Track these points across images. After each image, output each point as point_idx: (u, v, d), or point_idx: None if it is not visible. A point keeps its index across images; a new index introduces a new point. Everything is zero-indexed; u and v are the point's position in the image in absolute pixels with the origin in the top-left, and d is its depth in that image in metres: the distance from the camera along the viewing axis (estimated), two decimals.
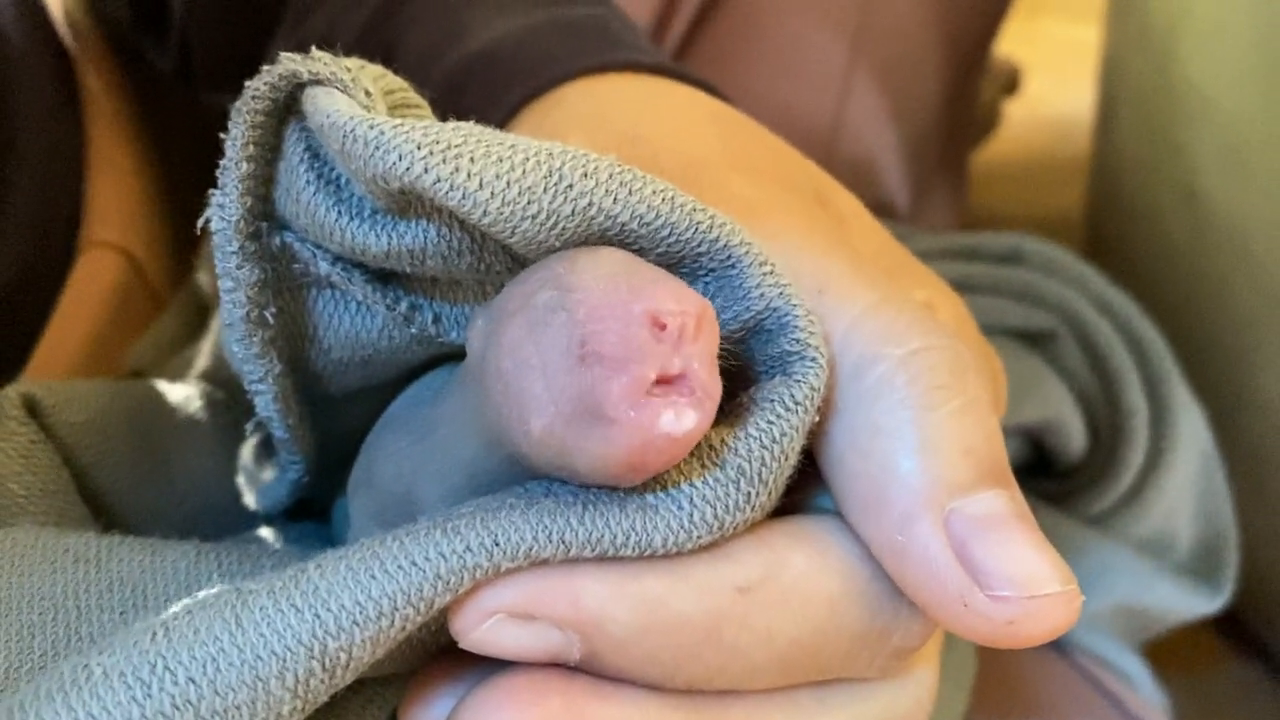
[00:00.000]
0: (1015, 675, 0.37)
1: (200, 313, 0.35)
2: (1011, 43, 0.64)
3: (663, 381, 0.15)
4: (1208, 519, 0.41)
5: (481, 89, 0.27)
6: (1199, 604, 0.41)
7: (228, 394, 0.28)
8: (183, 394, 0.28)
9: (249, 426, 0.23)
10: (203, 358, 0.29)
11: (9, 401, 0.24)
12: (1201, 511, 0.41)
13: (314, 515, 0.26)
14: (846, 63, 0.49)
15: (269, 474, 0.24)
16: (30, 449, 0.24)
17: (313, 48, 0.18)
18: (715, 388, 0.15)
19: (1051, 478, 0.41)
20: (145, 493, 0.26)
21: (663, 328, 0.15)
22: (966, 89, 0.54)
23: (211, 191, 0.18)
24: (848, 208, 0.23)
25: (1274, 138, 0.44)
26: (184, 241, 0.39)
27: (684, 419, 0.15)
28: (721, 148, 0.23)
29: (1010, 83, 0.73)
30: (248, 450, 0.25)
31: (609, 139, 0.23)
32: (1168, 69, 0.49)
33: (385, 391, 0.22)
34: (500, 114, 0.26)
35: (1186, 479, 0.40)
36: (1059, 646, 0.39)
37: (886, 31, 0.50)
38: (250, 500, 0.24)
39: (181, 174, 0.41)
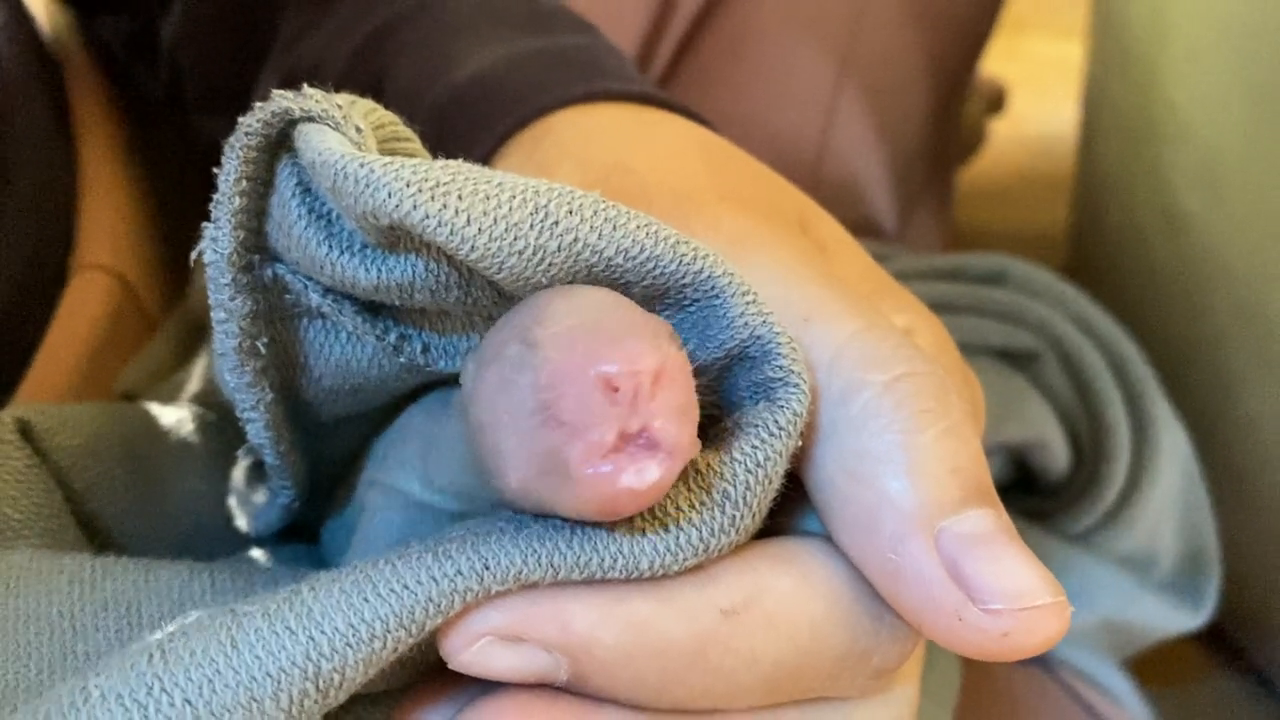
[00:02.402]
0: (1000, 692, 0.37)
1: (191, 336, 0.35)
2: (996, 60, 0.65)
3: (626, 437, 0.15)
4: (1190, 535, 0.42)
5: (470, 118, 0.27)
6: (1182, 620, 0.41)
7: (220, 417, 0.29)
8: (175, 417, 0.28)
9: (240, 452, 0.23)
10: (195, 381, 0.30)
11: (3, 426, 0.24)
12: (1184, 528, 0.42)
13: (303, 537, 0.26)
14: (833, 84, 0.50)
15: (260, 497, 0.24)
16: (25, 473, 0.24)
17: (304, 83, 0.18)
18: (682, 437, 0.15)
19: (1035, 496, 0.42)
20: (139, 515, 0.26)
21: (616, 390, 0.15)
22: (952, 109, 0.55)
23: (204, 224, 0.19)
24: (830, 234, 0.24)
25: (1253, 159, 0.45)
26: (176, 264, 0.39)
27: (646, 474, 0.15)
28: (709, 178, 0.23)
29: (995, 101, 0.74)
30: (239, 473, 0.26)
31: (598, 170, 0.23)
32: (1148, 91, 0.50)
33: (374, 418, 0.22)
34: (489, 143, 0.26)
35: (1169, 496, 0.41)
36: (1043, 662, 0.39)
37: (873, 53, 0.50)
38: (242, 523, 0.25)
39: (173, 197, 0.41)
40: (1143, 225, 0.51)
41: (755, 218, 0.21)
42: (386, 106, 0.20)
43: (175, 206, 0.41)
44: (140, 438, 0.27)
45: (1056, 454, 0.39)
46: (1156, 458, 0.40)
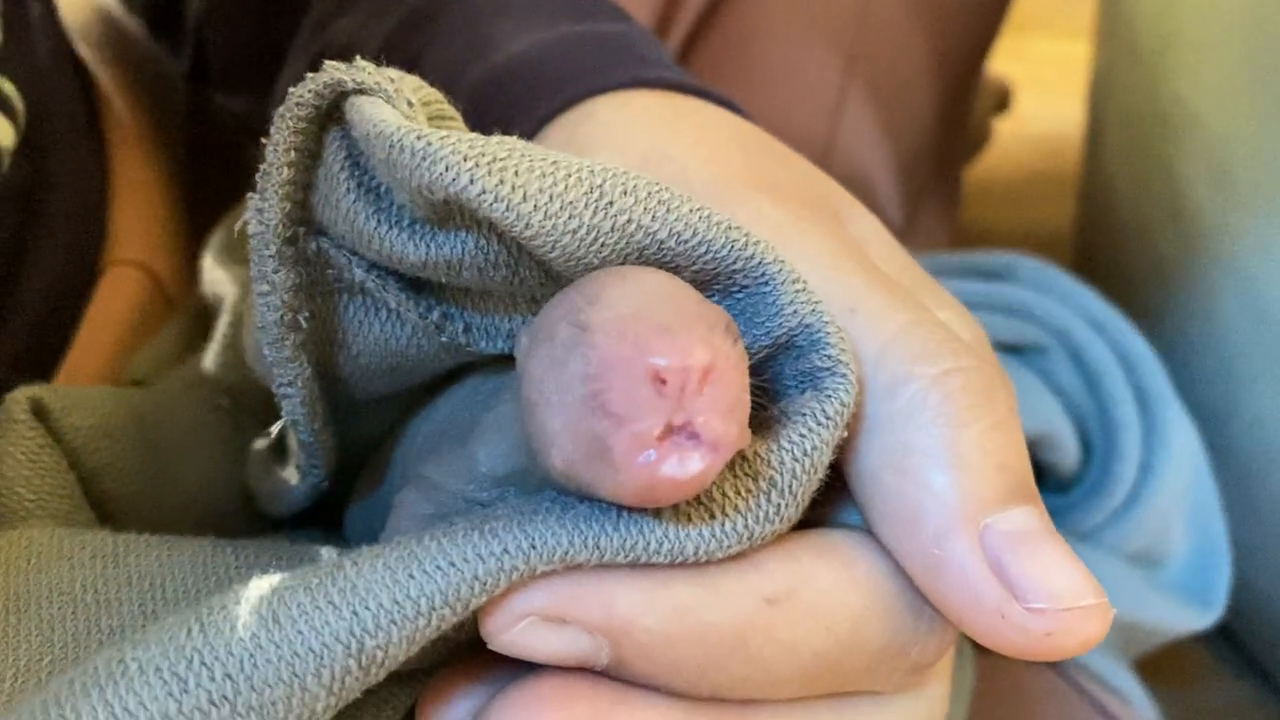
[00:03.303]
0: (1010, 689, 0.37)
1: (200, 323, 0.35)
2: (1001, 59, 0.65)
3: (671, 430, 0.15)
4: (1200, 534, 0.42)
5: (508, 102, 0.27)
6: (1192, 619, 0.41)
7: (231, 400, 0.29)
8: (186, 401, 0.28)
9: (272, 430, 0.23)
10: (208, 364, 0.30)
11: (17, 405, 0.24)
12: (1194, 527, 0.42)
13: (320, 522, 0.26)
14: (841, 81, 0.50)
15: (280, 479, 0.24)
16: (38, 453, 0.24)
17: (342, 59, 0.18)
18: (728, 433, 0.15)
19: (1043, 492, 0.41)
20: (151, 497, 0.26)
21: (664, 383, 0.15)
22: (959, 107, 0.55)
23: (249, 195, 0.18)
24: (869, 227, 0.24)
25: (1261, 155, 0.45)
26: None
27: (689, 465, 0.15)
28: (748, 168, 0.23)
29: (1001, 100, 0.74)
30: (256, 455, 0.26)
31: (638, 157, 0.23)
32: (1156, 87, 0.49)
33: (407, 400, 0.22)
34: (527, 127, 0.26)
35: (1178, 494, 0.40)
36: (1054, 662, 0.39)
37: (880, 51, 0.50)
38: (261, 503, 0.24)
39: (199, 191, 0.41)
40: (1150, 221, 0.51)
41: (796, 208, 0.21)
42: None
43: (200, 201, 0.41)
44: (152, 421, 0.27)
45: (1066, 450, 0.39)
46: (1166, 455, 0.40)
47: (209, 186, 0.42)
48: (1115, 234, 0.56)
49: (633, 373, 0.15)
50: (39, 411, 0.25)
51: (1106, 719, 0.38)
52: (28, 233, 0.31)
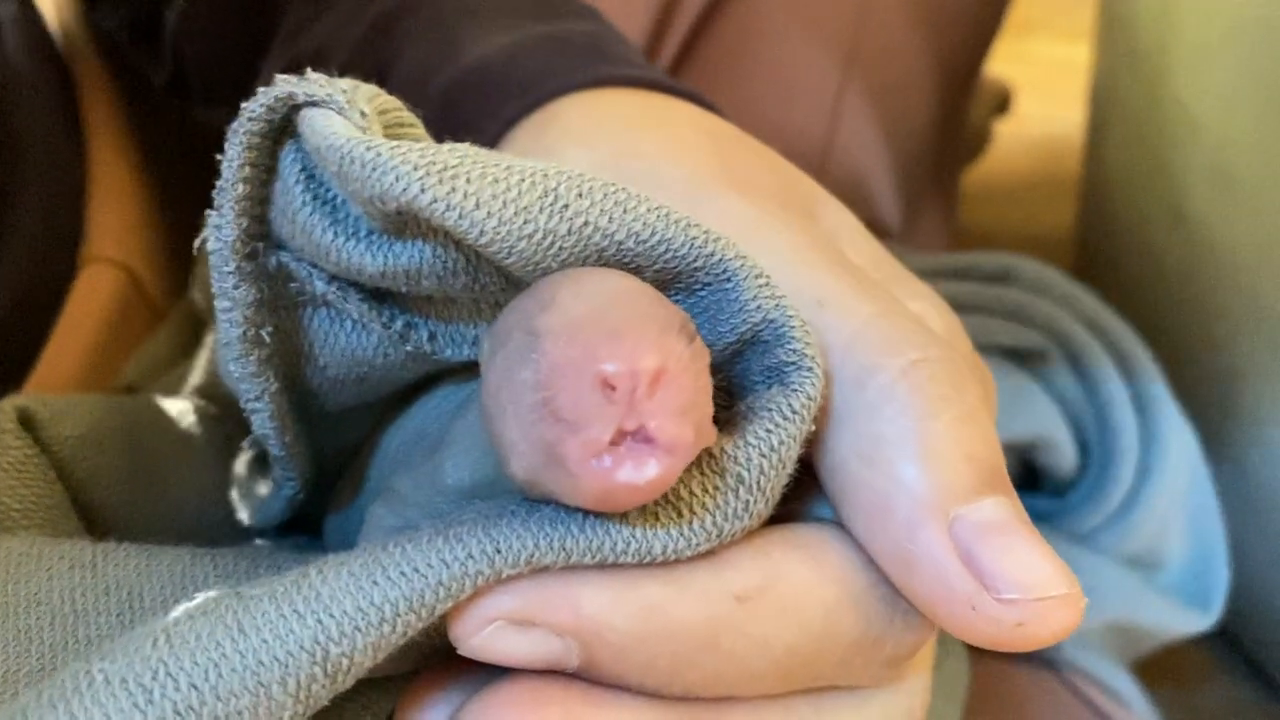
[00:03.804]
0: (1006, 691, 0.37)
1: (193, 329, 0.35)
2: (1001, 62, 0.65)
3: (624, 435, 0.15)
4: (1198, 536, 0.41)
5: (476, 104, 0.27)
6: (1191, 621, 0.41)
7: (221, 409, 0.28)
8: (177, 409, 0.28)
9: (245, 443, 0.23)
10: (196, 373, 0.30)
11: (3, 415, 0.24)
12: (1192, 529, 0.41)
13: (304, 530, 0.26)
14: (839, 83, 0.50)
15: (263, 489, 0.24)
16: (24, 462, 0.24)
17: (308, 69, 0.18)
18: (682, 435, 0.15)
19: (1041, 495, 0.41)
20: (139, 507, 0.26)
21: (614, 389, 0.15)
22: (957, 109, 0.55)
23: (208, 212, 0.18)
24: (841, 221, 0.24)
25: (1262, 158, 0.45)
26: (182, 256, 0.39)
27: (645, 470, 0.15)
28: (718, 164, 0.23)
29: (1001, 103, 0.74)
30: (241, 465, 0.26)
31: (606, 155, 0.23)
32: (1157, 89, 0.49)
33: (380, 408, 0.22)
34: (495, 128, 0.26)
35: (1176, 496, 0.40)
36: (1051, 663, 0.39)
37: (879, 53, 0.50)
38: (244, 515, 0.24)
39: (178, 190, 0.41)
40: (1151, 224, 0.51)
41: (766, 203, 0.21)
42: (392, 93, 0.19)
43: (180, 200, 0.41)
44: (142, 429, 0.27)
45: (1063, 453, 0.39)
46: (1164, 458, 0.40)
47: (197, 186, 0.42)
48: (1116, 236, 0.56)
49: (581, 379, 0.15)
50: (26, 421, 0.25)
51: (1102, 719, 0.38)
52: None
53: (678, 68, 0.50)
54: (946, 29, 0.51)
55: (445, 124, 0.27)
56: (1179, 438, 0.40)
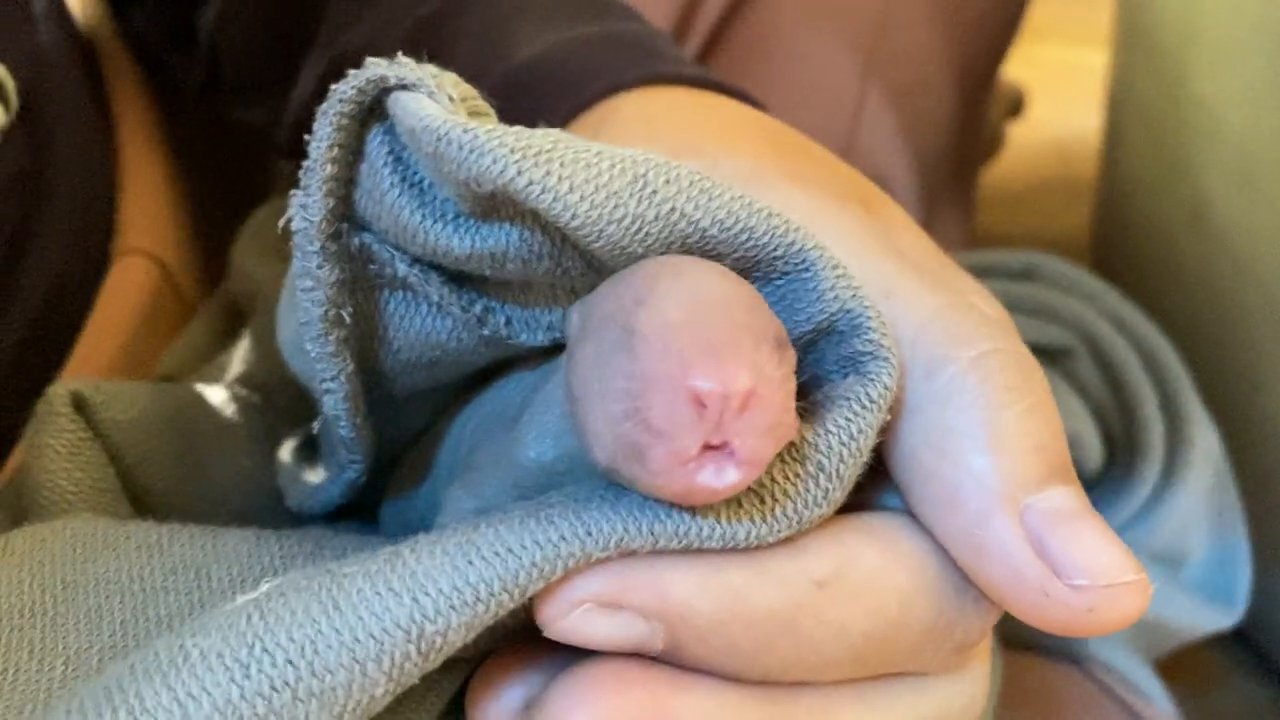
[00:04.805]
0: (1033, 685, 0.37)
1: (228, 319, 0.35)
2: (1015, 66, 0.65)
3: (709, 447, 0.15)
4: (1221, 533, 0.42)
5: (530, 102, 0.27)
6: (1214, 619, 0.41)
7: (262, 397, 0.29)
8: (219, 397, 0.28)
9: (314, 425, 0.23)
10: (237, 362, 0.30)
11: (58, 399, 0.24)
12: (1215, 526, 0.42)
13: (349, 517, 0.26)
14: (859, 84, 0.50)
15: (312, 477, 0.24)
16: (79, 445, 0.24)
17: (356, 67, 0.18)
18: (766, 449, 0.15)
19: (1083, 490, 0.41)
20: (186, 493, 0.26)
21: (705, 406, 0.15)
22: (977, 111, 0.55)
23: (292, 192, 0.18)
24: (895, 216, 0.24)
25: None
26: (212, 248, 0.40)
27: (724, 476, 0.15)
28: (775, 158, 0.23)
29: (1015, 105, 0.74)
30: (286, 453, 0.26)
31: (666, 150, 0.23)
32: (1177, 89, 0.50)
33: (445, 395, 0.22)
34: (549, 125, 0.26)
35: (1201, 493, 0.41)
36: (1076, 658, 0.39)
37: (899, 54, 0.50)
38: (293, 501, 0.24)
39: (209, 183, 0.41)
40: (1170, 224, 0.51)
41: (826, 196, 0.22)
42: None
43: (210, 193, 0.41)
44: (188, 416, 0.27)
45: (1090, 449, 0.39)
46: (1190, 455, 0.40)
47: (225, 178, 0.42)
48: (1134, 238, 0.56)
49: (674, 392, 0.15)
50: (78, 405, 0.25)
51: (1128, 714, 0.38)
52: (30, 215, 0.31)
53: None
54: (966, 31, 0.52)
55: (500, 121, 0.27)
56: (1204, 435, 0.40)
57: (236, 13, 0.36)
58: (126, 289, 0.34)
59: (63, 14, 0.36)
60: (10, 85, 0.30)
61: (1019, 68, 0.71)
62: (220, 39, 0.37)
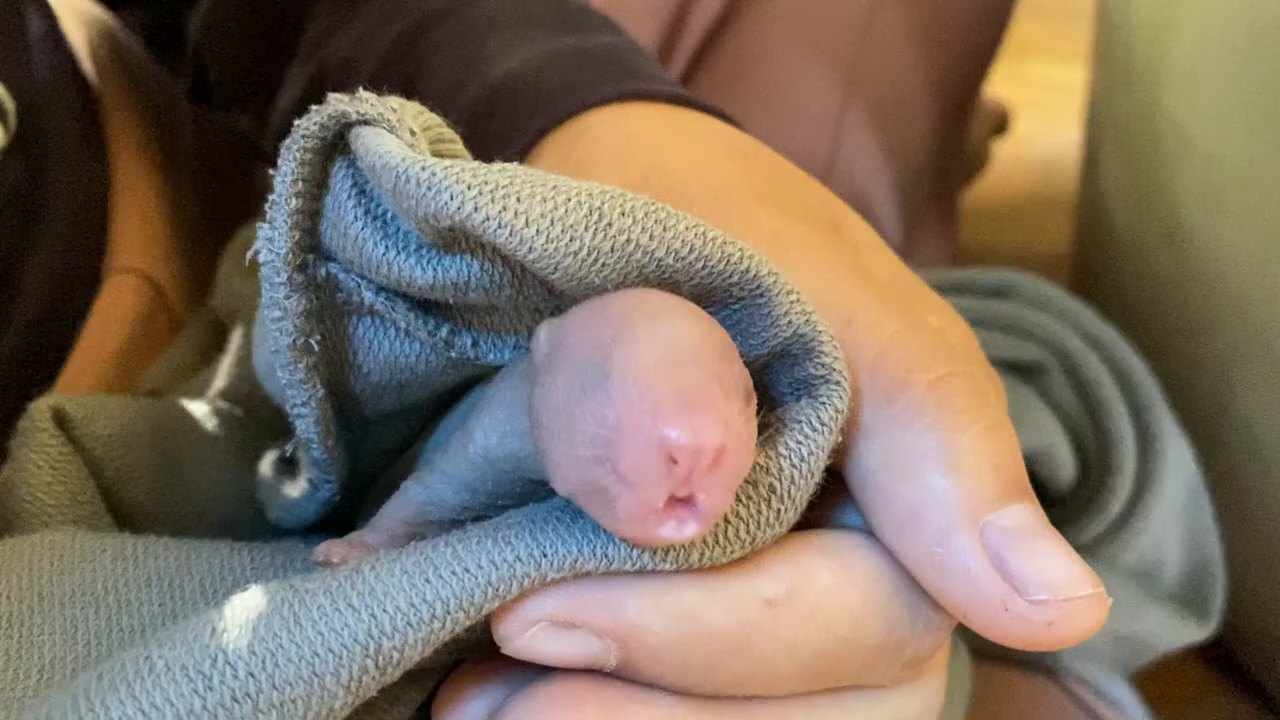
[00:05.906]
0: (1007, 696, 0.38)
1: (214, 336, 0.35)
2: (1000, 84, 0.66)
3: (674, 500, 0.15)
4: (1195, 547, 0.42)
5: (505, 116, 0.27)
6: (1188, 632, 0.41)
7: (244, 411, 0.29)
8: (202, 411, 0.28)
9: (287, 447, 0.23)
10: (220, 377, 0.30)
11: (39, 414, 0.25)
12: (1189, 539, 0.42)
13: (327, 531, 0.26)
14: (840, 103, 0.50)
15: (292, 491, 0.24)
16: (60, 460, 0.25)
17: (334, 84, 0.19)
18: (724, 505, 0.16)
19: (1040, 506, 0.42)
20: (167, 507, 0.27)
21: (676, 462, 0.15)
22: (957, 129, 0.55)
23: (258, 225, 0.19)
24: (862, 236, 0.24)
25: (1253, 176, 0.45)
26: (204, 267, 0.40)
27: (685, 529, 0.16)
28: (745, 179, 0.23)
29: (999, 123, 0.75)
30: (266, 467, 0.26)
31: (637, 170, 0.23)
32: (1150, 110, 0.50)
33: (416, 415, 0.23)
34: (524, 141, 0.26)
35: (1173, 508, 0.41)
36: (1050, 670, 0.40)
37: (880, 73, 0.51)
38: (272, 516, 0.25)
39: (199, 203, 0.42)
40: (1146, 242, 0.52)
41: (793, 219, 0.22)
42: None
43: (203, 212, 0.42)
44: (169, 431, 0.27)
45: (1062, 465, 0.40)
46: (1162, 469, 0.40)
47: (215, 198, 0.42)
48: (1112, 254, 0.56)
49: (646, 444, 0.15)
50: (60, 420, 0.26)
51: None
52: (25, 234, 0.32)
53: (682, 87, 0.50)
54: (947, 50, 0.52)
55: (474, 137, 0.27)
56: (1176, 450, 0.40)
57: (220, 20, 0.37)
58: (119, 307, 0.35)
59: (58, 38, 0.37)
60: (10, 107, 0.31)
61: (1004, 86, 0.72)
62: (206, 42, 0.37)
